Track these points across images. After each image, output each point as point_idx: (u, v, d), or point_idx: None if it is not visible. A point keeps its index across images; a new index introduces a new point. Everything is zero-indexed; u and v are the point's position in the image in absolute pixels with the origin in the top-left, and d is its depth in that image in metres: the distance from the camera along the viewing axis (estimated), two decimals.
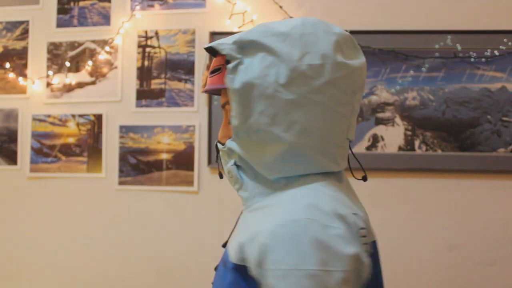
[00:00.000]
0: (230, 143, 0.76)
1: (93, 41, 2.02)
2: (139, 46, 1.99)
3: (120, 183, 1.97)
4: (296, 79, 0.69)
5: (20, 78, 2.04)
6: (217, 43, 0.74)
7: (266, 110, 0.70)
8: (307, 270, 0.60)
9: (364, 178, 0.84)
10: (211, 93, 0.87)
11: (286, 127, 0.70)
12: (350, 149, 0.81)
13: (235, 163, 0.77)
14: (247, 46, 0.71)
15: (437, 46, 1.82)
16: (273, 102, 0.70)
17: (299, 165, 0.73)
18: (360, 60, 0.76)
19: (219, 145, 0.80)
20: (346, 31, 0.80)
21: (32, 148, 2.03)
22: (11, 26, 2.08)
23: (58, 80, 2.02)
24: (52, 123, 2.02)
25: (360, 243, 0.65)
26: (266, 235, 0.63)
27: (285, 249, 0.62)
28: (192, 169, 1.92)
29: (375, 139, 1.85)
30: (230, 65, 0.71)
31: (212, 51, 0.79)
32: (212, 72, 0.77)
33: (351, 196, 0.77)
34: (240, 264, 0.67)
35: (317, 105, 0.71)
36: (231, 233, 0.82)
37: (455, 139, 1.82)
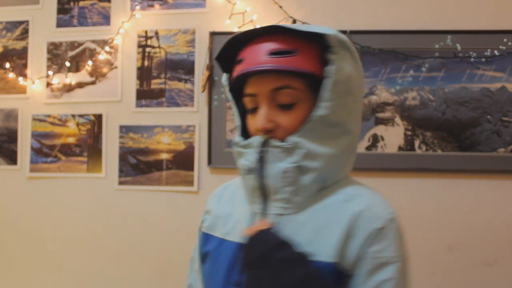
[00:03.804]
0: (298, 139, 0.72)
1: (93, 41, 2.02)
2: (139, 46, 1.99)
3: (120, 183, 1.97)
4: (362, 84, 0.81)
5: (20, 78, 2.04)
6: (324, 31, 0.73)
7: (350, 105, 0.77)
8: (406, 258, 0.74)
9: None
10: (241, 77, 0.78)
11: (357, 124, 0.80)
12: None
13: (297, 163, 0.72)
14: (342, 44, 0.75)
15: (437, 46, 1.82)
16: (356, 99, 0.78)
17: (349, 162, 0.81)
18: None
19: (277, 143, 0.73)
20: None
21: (32, 148, 2.03)
22: (11, 26, 2.08)
23: (58, 80, 2.02)
24: (52, 123, 2.02)
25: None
26: (378, 222, 0.72)
27: (391, 238, 0.72)
28: (192, 169, 1.92)
29: (375, 139, 1.85)
30: (334, 57, 0.73)
31: (253, 33, 0.77)
32: (280, 53, 0.73)
33: None
34: (335, 262, 0.69)
35: (359, 114, 0.82)
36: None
37: (455, 139, 1.82)
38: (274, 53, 0.73)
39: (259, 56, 0.73)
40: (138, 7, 1.98)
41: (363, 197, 0.75)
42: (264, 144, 0.74)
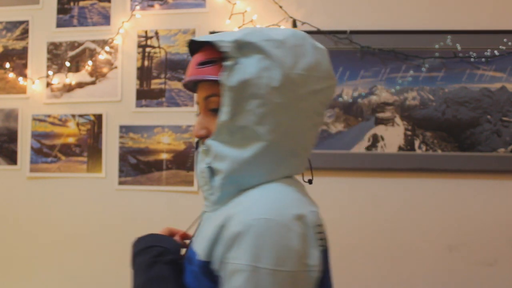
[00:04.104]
0: (210, 142, 0.77)
1: (93, 41, 2.02)
2: (139, 46, 1.99)
3: (120, 183, 1.97)
4: (286, 85, 0.74)
5: (20, 78, 2.04)
6: (218, 40, 0.75)
7: (256, 110, 0.74)
8: (262, 268, 0.64)
9: (310, 181, 0.88)
10: (188, 86, 0.86)
11: (272, 128, 0.75)
12: None
13: (209, 165, 0.78)
14: (245, 47, 0.74)
15: (437, 46, 1.82)
16: (264, 102, 0.74)
17: (272, 166, 0.76)
18: (334, 78, 0.83)
19: (201, 146, 0.82)
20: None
21: (32, 148, 2.03)
22: (11, 26, 2.08)
23: (58, 80, 2.02)
24: (52, 123, 2.02)
25: (316, 241, 0.70)
26: (238, 226, 0.67)
27: (246, 245, 0.65)
28: (192, 169, 1.92)
29: (375, 139, 1.85)
30: (228, 63, 0.73)
31: (195, 44, 0.83)
32: (202, 64, 0.78)
33: (306, 193, 0.82)
34: (206, 261, 0.71)
35: (299, 112, 0.76)
36: (195, 233, 0.86)
37: (455, 139, 1.82)
38: (199, 64, 0.79)
39: (191, 68, 0.81)
40: (138, 7, 1.98)
41: (248, 200, 0.72)
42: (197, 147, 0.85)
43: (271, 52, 0.74)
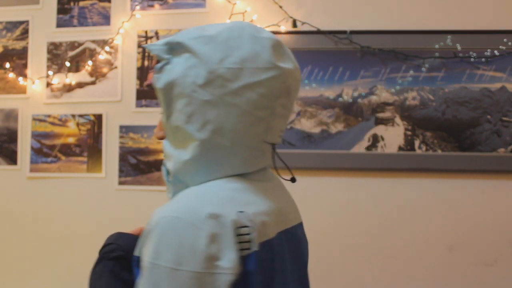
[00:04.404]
0: (164, 142, 0.81)
1: (93, 41, 2.02)
2: (139, 46, 1.99)
3: (120, 183, 1.97)
4: (213, 81, 0.72)
5: (20, 78, 2.04)
6: (150, 44, 0.78)
7: (184, 109, 0.74)
8: (161, 266, 0.63)
9: (293, 180, 0.84)
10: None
11: (200, 126, 0.74)
12: (275, 150, 0.81)
13: (164, 165, 0.83)
14: (176, 47, 0.75)
15: (437, 46, 1.82)
16: (190, 101, 0.74)
17: (211, 165, 0.76)
18: (287, 65, 0.76)
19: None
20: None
21: (32, 148, 2.03)
22: (11, 26, 2.08)
23: (58, 80, 2.02)
24: (52, 123, 2.02)
25: (233, 242, 0.65)
26: (151, 223, 0.68)
27: (151, 242, 0.66)
28: None
29: (375, 139, 1.85)
30: (157, 65, 0.76)
31: None
32: (154, 69, 0.81)
33: (251, 193, 0.75)
34: (137, 256, 0.71)
35: (233, 107, 0.73)
36: None
37: (455, 139, 1.82)
38: (153, 68, 0.84)
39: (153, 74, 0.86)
40: (138, 7, 1.98)
41: (174, 198, 0.73)
42: None
43: (197, 49, 0.73)
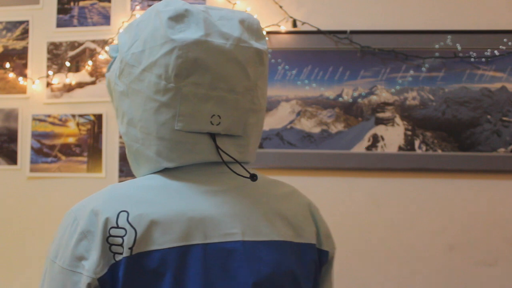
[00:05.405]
0: None
1: (93, 41, 2.02)
2: None
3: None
4: (124, 70, 0.68)
5: (20, 78, 2.04)
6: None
7: (113, 103, 0.75)
8: (48, 257, 0.64)
9: (253, 177, 0.68)
10: None
11: (121, 119, 0.72)
12: (215, 142, 0.66)
13: None
14: (113, 49, 0.75)
15: (437, 46, 1.82)
16: (113, 95, 0.73)
17: (136, 160, 0.72)
18: (187, 35, 0.64)
19: None
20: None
21: (32, 148, 2.03)
22: (11, 26, 2.08)
23: (58, 80, 2.02)
24: (52, 123, 2.02)
25: (102, 244, 0.59)
26: None
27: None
28: None
29: (375, 139, 1.85)
30: (109, 64, 0.76)
31: None
32: None
33: (177, 196, 0.64)
34: None
35: (137, 95, 0.67)
36: None
37: (455, 139, 1.82)
38: None
39: None
40: (138, 7, 1.98)
41: None
42: None
43: (119, 42, 0.70)
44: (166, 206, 0.62)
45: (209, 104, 0.64)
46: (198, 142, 0.66)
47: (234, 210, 0.66)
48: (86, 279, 0.58)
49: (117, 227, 0.60)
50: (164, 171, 0.68)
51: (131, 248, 0.59)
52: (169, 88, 0.64)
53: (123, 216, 0.60)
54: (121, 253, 0.59)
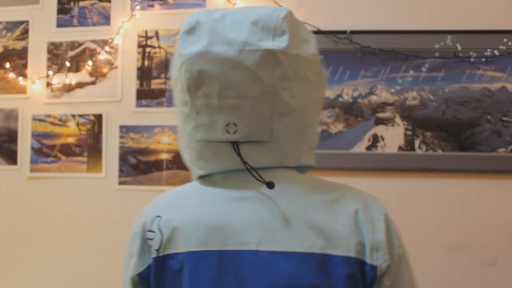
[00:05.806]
0: None
1: (93, 41, 2.02)
2: (139, 46, 1.99)
3: (120, 183, 1.97)
4: (174, 89, 0.73)
5: (20, 78, 2.04)
6: None
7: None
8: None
9: (269, 185, 0.66)
10: None
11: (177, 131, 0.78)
12: (236, 149, 0.66)
13: None
14: None
15: (437, 46, 1.82)
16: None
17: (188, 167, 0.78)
18: (191, 48, 0.65)
19: None
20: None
21: (32, 148, 2.03)
22: (11, 26, 2.08)
23: (58, 80, 2.02)
24: (52, 123, 2.02)
25: (139, 245, 0.70)
26: None
27: None
28: None
29: (375, 139, 1.85)
30: None
31: None
32: None
33: (201, 203, 0.69)
34: None
35: (176, 107, 0.73)
36: None
37: (455, 139, 1.82)
38: None
39: None
40: (138, 7, 1.98)
41: None
42: None
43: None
44: (189, 212, 0.68)
45: (223, 113, 0.65)
46: (219, 151, 0.67)
47: (253, 218, 0.65)
48: (131, 273, 0.68)
49: (151, 230, 0.68)
50: (201, 178, 0.74)
51: (158, 250, 0.66)
52: (187, 101, 0.67)
53: (157, 221, 0.68)
54: (152, 254, 0.67)
